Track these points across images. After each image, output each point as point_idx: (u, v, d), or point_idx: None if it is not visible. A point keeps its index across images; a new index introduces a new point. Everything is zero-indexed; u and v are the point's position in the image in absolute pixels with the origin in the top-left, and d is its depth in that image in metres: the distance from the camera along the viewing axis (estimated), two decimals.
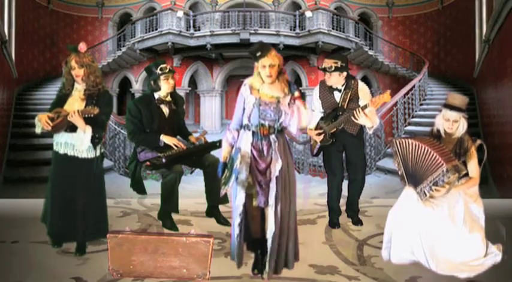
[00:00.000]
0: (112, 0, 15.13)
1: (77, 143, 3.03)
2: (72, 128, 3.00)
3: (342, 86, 3.68)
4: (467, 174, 2.90)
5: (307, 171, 8.86)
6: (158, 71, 3.63)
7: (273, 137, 2.68)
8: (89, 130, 3.00)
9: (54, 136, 3.08)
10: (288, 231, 2.70)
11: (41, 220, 3.22)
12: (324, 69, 3.64)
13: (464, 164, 2.90)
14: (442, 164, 2.70)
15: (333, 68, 3.59)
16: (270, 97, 2.67)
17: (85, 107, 3.00)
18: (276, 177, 2.64)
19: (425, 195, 2.79)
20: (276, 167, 2.64)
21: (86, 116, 2.93)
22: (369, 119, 3.47)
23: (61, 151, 3.05)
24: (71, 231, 3.06)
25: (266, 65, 2.62)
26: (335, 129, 3.66)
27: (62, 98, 3.08)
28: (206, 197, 3.88)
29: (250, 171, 2.68)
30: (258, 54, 2.61)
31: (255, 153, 2.67)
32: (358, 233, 3.64)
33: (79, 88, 3.08)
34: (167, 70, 3.65)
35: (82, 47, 3.04)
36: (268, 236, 2.65)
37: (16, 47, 10.21)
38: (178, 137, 3.86)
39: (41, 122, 2.94)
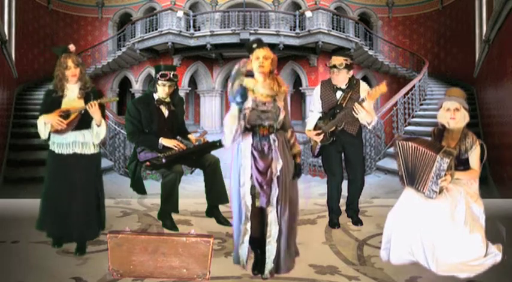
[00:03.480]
0: (112, 0, 15.14)
1: (86, 140, 3.06)
2: (80, 126, 3.03)
3: (345, 85, 3.69)
4: (466, 170, 2.93)
5: (307, 171, 8.86)
6: (158, 76, 3.65)
7: (272, 136, 2.67)
8: (104, 122, 3.07)
9: (55, 138, 3.05)
10: (288, 232, 2.68)
11: (36, 227, 3.17)
12: (334, 66, 3.64)
13: (467, 160, 2.92)
14: (435, 156, 2.73)
15: (343, 65, 3.62)
16: (265, 96, 2.67)
17: (86, 103, 3.02)
18: (277, 177, 2.64)
19: (436, 192, 2.79)
20: (277, 166, 2.64)
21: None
22: (368, 113, 3.49)
23: (68, 152, 3.04)
24: (77, 231, 3.06)
25: (260, 56, 2.65)
26: (334, 128, 3.66)
27: (55, 101, 3.04)
28: (206, 197, 3.89)
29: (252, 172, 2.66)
30: (254, 45, 2.66)
31: (255, 153, 2.66)
32: (358, 233, 3.64)
33: (71, 88, 3.06)
34: (166, 78, 3.65)
35: (72, 47, 3.06)
36: (269, 237, 2.65)
37: (16, 47, 10.22)
38: (178, 137, 3.87)
39: (53, 123, 2.94)
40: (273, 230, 2.64)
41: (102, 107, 3.09)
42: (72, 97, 3.06)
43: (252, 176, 2.65)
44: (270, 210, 2.64)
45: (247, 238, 2.68)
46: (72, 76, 3.02)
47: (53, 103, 3.04)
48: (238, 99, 2.55)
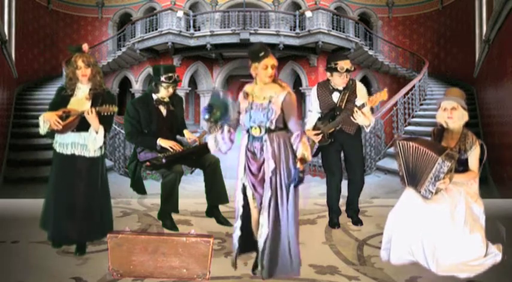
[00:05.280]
0: (112, 0, 15.14)
1: (86, 143, 3.02)
2: (81, 128, 2.99)
3: (342, 87, 3.70)
4: (465, 171, 2.93)
5: (307, 171, 8.86)
6: (162, 78, 3.63)
7: (265, 137, 2.66)
8: (102, 129, 3.02)
9: (58, 137, 3.04)
10: (286, 234, 2.62)
11: (40, 226, 3.16)
12: (347, 70, 3.60)
13: (467, 161, 2.92)
14: (436, 158, 2.73)
15: (353, 68, 3.64)
16: (262, 99, 2.68)
17: (91, 107, 2.98)
18: (270, 178, 2.61)
19: (431, 192, 2.79)
20: (269, 167, 2.62)
21: (105, 113, 2.95)
22: (367, 118, 3.51)
23: (66, 152, 3.03)
24: (76, 233, 3.04)
25: (269, 65, 2.65)
26: (333, 129, 3.67)
27: (64, 99, 3.03)
28: (206, 197, 3.89)
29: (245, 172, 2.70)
30: (262, 54, 2.64)
31: (248, 154, 2.70)
32: (358, 233, 3.64)
33: (82, 88, 3.05)
34: (171, 80, 3.65)
35: (86, 47, 3.04)
36: (259, 237, 2.63)
37: (16, 47, 10.22)
38: (178, 137, 3.87)
39: (50, 122, 2.91)
40: (265, 231, 2.61)
41: (110, 115, 3.02)
42: (80, 97, 3.04)
43: (245, 175, 2.70)
44: (263, 212, 2.62)
45: (236, 236, 2.71)
46: (83, 76, 3.01)
47: (61, 101, 3.03)
48: (206, 117, 2.68)
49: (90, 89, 3.05)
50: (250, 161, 2.68)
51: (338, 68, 3.60)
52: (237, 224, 2.72)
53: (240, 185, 2.72)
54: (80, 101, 3.02)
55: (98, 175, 3.10)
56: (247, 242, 2.75)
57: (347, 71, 3.61)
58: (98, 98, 3.03)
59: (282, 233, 2.62)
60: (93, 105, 2.99)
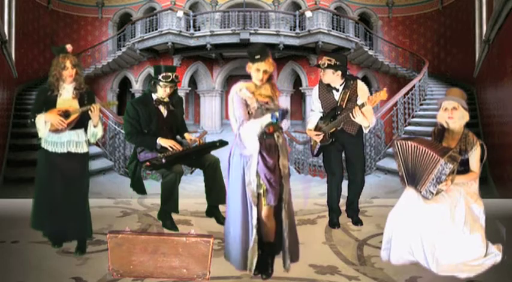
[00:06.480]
0: (112, 0, 15.14)
1: (80, 140, 3.13)
2: (76, 126, 3.09)
3: (341, 85, 3.70)
4: (466, 171, 2.93)
5: (307, 171, 8.87)
6: (160, 77, 3.64)
7: (277, 133, 2.72)
8: (100, 122, 3.19)
9: (49, 137, 3.08)
10: (293, 227, 2.80)
11: (32, 226, 3.17)
12: (318, 66, 3.71)
13: (467, 161, 2.92)
14: (439, 159, 2.73)
15: (325, 65, 3.64)
16: (264, 97, 2.74)
17: (79, 105, 3.09)
18: (287, 173, 2.73)
19: (432, 193, 2.79)
20: (286, 163, 2.72)
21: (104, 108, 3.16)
22: (365, 118, 3.50)
23: (62, 150, 3.08)
24: (76, 229, 3.10)
25: (261, 70, 2.69)
26: (334, 129, 3.67)
27: (49, 99, 3.08)
28: (206, 197, 3.89)
29: (258, 170, 2.67)
30: (257, 57, 2.68)
31: (263, 151, 2.67)
32: (358, 233, 3.64)
33: (67, 88, 3.11)
34: (168, 80, 3.66)
35: (70, 48, 3.10)
36: (283, 232, 2.72)
37: (16, 47, 10.20)
38: (178, 137, 3.87)
39: (54, 122, 2.98)
40: (286, 227, 2.70)
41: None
42: (67, 97, 3.11)
43: (257, 174, 2.65)
44: (282, 207, 2.71)
45: (254, 239, 2.66)
46: (69, 76, 3.07)
47: (47, 102, 3.08)
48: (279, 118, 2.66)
49: (75, 88, 3.13)
50: (266, 158, 2.67)
51: (320, 65, 3.68)
52: (255, 226, 2.67)
53: (254, 184, 2.65)
54: (67, 100, 3.10)
55: (87, 170, 3.25)
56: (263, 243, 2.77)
57: (329, 67, 3.62)
58: (83, 96, 3.15)
59: (292, 221, 2.80)
60: (80, 103, 3.11)
